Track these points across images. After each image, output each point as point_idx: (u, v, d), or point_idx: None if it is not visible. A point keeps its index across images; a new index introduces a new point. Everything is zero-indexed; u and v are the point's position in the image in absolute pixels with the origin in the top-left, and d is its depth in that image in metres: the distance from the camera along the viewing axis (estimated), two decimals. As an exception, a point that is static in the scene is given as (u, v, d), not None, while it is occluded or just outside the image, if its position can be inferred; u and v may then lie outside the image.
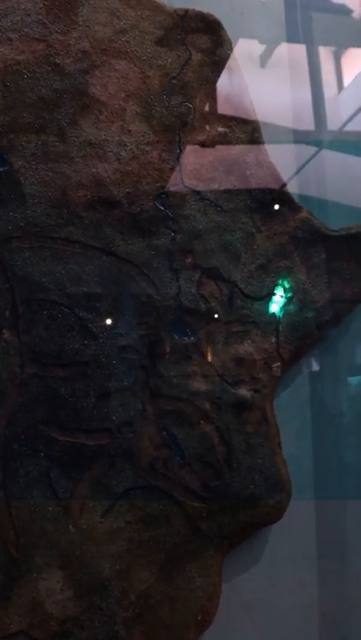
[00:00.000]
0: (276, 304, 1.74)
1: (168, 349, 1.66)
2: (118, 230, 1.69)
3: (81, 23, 1.76)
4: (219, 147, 1.78)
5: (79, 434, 1.62)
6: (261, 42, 2.07)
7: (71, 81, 1.73)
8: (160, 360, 1.66)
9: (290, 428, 1.77)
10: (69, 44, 1.74)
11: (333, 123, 2.06)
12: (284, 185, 1.81)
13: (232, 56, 1.85)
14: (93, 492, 1.61)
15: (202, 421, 1.66)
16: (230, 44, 1.85)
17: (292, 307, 1.75)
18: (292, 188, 1.88)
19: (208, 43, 1.83)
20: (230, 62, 1.84)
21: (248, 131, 1.81)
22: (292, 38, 2.07)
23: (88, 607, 1.57)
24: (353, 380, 1.86)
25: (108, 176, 1.71)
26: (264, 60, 2.06)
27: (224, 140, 1.79)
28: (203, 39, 1.83)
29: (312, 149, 2.01)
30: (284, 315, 1.74)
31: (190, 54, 1.80)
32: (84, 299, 1.65)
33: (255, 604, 1.72)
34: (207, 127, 1.78)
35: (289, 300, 1.75)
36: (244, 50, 2.00)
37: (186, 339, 1.69)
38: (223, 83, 1.82)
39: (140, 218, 1.70)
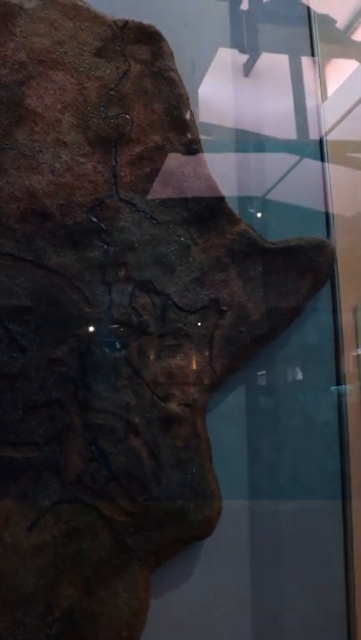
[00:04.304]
0: (211, 318, 1.73)
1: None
2: (50, 242, 1.69)
3: (18, 34, 1.76)
4: (156, 158, 1.77)
5: (6, 447, 1.62)
6: (241, 51, 2.07)
7: (7, 92, 1.73)
8: (90, 373, 1.65)
9: (225, 442, 1.75)
10: (6, 55, 1.74)
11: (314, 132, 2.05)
12: (221, 197, 1.79)
13: (175, 67, 1.84)
14: (19, 506, 1.60)
15: (131, 435, 1.65)
16: (172, 55, 1.85)
17: (226, 320, 1.74)
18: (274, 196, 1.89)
19: (148, 54, 1.82)
20: (171, 73, 1.83)
21: (186, 142, 1.80)
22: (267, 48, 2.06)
23: (11, 623, 1.56)
24: (290, 392, 1.85)
25: (42, 188, 1.70)
26: (247, 70, 2.05)
27: (161, 151, 1.78)
28: (143, 50, 1.82)
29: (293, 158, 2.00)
30: (218, 328, 1.73)
31: (129, 65, 1.80)
32: (13, 311, 1.65)
33: (187, 620, 1.70)
34: (144, 139, 1.77)
35: (223, 314, 1.74)
36: (225, 59, 2.00)
37: (117, 352, 1.68)
38: (163, 94, 1.80)
39: (72, 230, 1.70)
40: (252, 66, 2.06)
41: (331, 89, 2.15)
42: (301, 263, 1.80)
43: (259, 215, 1.93)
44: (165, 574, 1.67)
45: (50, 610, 1.57)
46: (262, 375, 1.83)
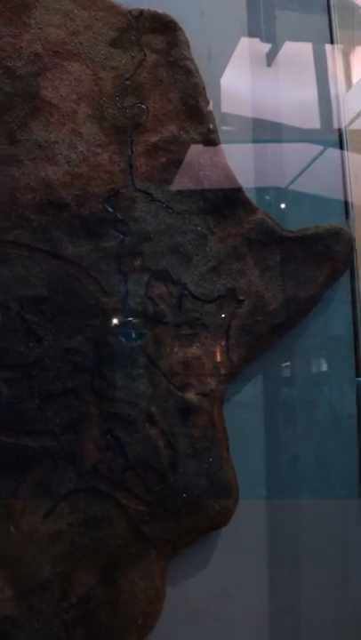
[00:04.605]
0: (227, 307, 1.72)
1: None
2: (66, 233, 1.69)
3: (33, 26, 1.76)
4: (172, 148, 1.76)
5: (22, 435, 1.63)
6: (264, 40, 2.05)
7: (22, 84, 1.73)
8: (106, 363, 1.65)
9: (242, 433, 1.74)
10: (21, 47, 1.75)
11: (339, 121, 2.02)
12: (238, 186, 1.78)
13: (190, 56, 1.83)
14: (35, 494, 1.61)
15: (147, 425, 1.65)
16: (187, 44, 1.84)
17: (243, 310, 1.73)
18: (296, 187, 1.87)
19: (163, 43, 1.82)
20: (187, 62, 1.82)
21: (203, 132, 1.79)
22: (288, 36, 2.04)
23: (28, 609, 1.58)
24: (308, 383, 1.83)
25: (58, 178, 1.71)
26: (270, 59, 2.03)
27: (177, 141, 1.77)
28: (158, 39, 1.81)
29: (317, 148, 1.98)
30: (234, 318, 1.72)
31: (145, 55, 1.79)
32: (30, 301, 1.66)
33: (203, 608, 1.70)
34: (160, 128, 1.77)
35: (240, 303, 1.73)
36: (247, 48, 1.99)
37: (133, 342, 1.68)
38: (179, 83, 1.79)
39: (88, 220, 1.70)
40: (275, 55, 2.03)
41: (356, 77, 2.12)
42: (319, 252, 1.78)
43: (278, 205, 1.91)
44: (182, 563, 1.68)
45: (66, 596, 1.59)
46: (280, 365, 1.81)
